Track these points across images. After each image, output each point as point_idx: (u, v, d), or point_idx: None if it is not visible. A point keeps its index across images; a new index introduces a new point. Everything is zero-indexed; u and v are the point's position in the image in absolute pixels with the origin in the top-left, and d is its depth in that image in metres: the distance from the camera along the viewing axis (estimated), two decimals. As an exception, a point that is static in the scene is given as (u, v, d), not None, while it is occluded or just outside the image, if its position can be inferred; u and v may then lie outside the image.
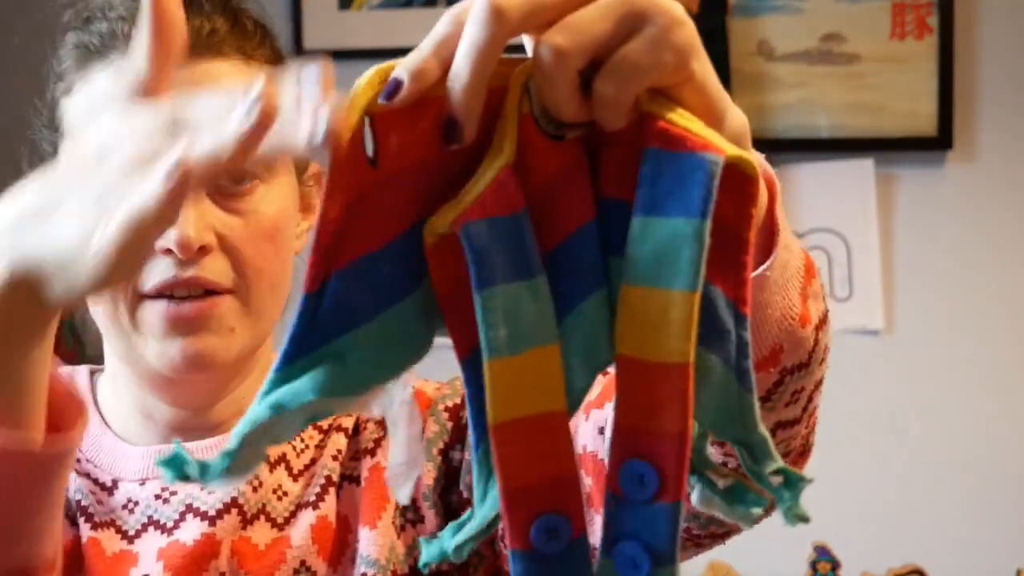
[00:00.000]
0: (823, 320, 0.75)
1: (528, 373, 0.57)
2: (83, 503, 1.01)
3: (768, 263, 0.69)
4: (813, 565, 2.48)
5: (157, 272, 0.94)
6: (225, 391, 1.04)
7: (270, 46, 1.03)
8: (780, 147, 2.49)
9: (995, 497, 2.48)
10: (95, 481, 1.03)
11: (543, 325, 0.58)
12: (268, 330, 1.02)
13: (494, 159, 0.57)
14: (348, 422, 1.07)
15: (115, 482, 1.02)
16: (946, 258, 2.50)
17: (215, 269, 0.95)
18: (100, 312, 0.99)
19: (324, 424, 1.06)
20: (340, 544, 1.02)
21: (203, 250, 0.94)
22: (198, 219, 0.94)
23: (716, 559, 2.43)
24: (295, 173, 1.04)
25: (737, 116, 0.62)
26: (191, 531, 1.00)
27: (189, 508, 1.01)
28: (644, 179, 0.57)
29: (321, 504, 1.03)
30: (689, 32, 0.57)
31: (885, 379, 2.50)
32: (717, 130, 0.59)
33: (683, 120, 0.57)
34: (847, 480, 2.49)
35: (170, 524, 1.00)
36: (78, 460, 1.02)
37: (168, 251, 0.94)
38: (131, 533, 1.00)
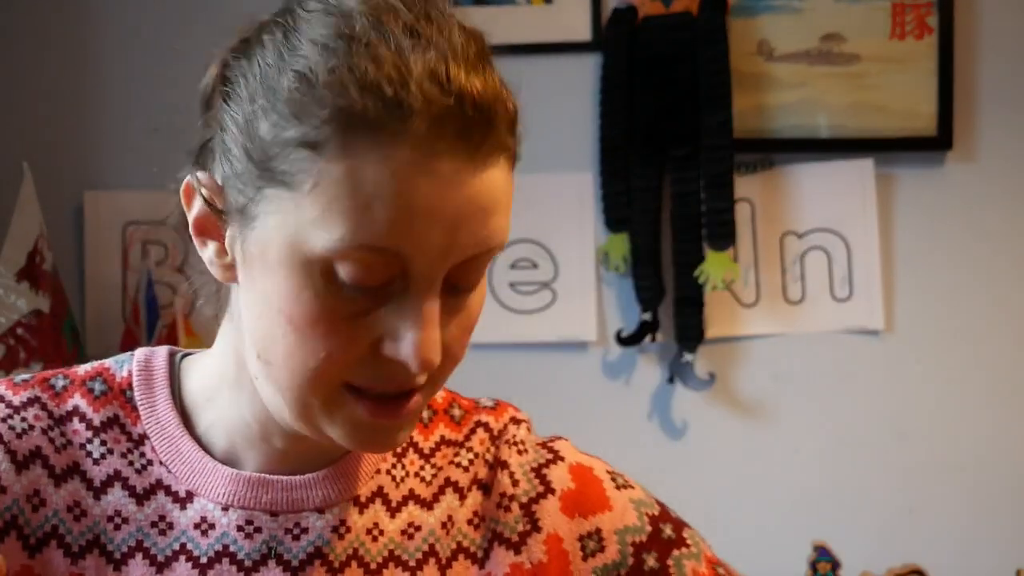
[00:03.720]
0: None
1: None
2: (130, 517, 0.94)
3: None
4: (813, 565, 2.48)
5: (376, 377, 0.86)
6: None
7: (517, 123, 0.90)
8: (780, 147, 2.49)
9: (995, 497, 2.48)
10: (167, 489, 0.95)
11: None
12: None
13: None
14: (485, 473, 1.01)
15: (190, 495, 0.94)
16: (946, 258, 2.50)
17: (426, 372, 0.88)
18: (271, 354, 0.88)
19: (441, 461, 1.00)
20: None
21: None
22: (436, 340, 0.85)
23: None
24: None
25: None
26: None
27: (271, 552, 0.94)
28: None
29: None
30: None
31: (885, 379, 2.50)
32: None
33: None
34: (847, 480, 2.49)
35: (248, 564, 0.94)
36: (148, 463, 0.96)
37: (400, 362, 0.85)
38: (203, 561, 0.93)
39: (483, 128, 0.82)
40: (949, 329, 2.49)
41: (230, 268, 0.89)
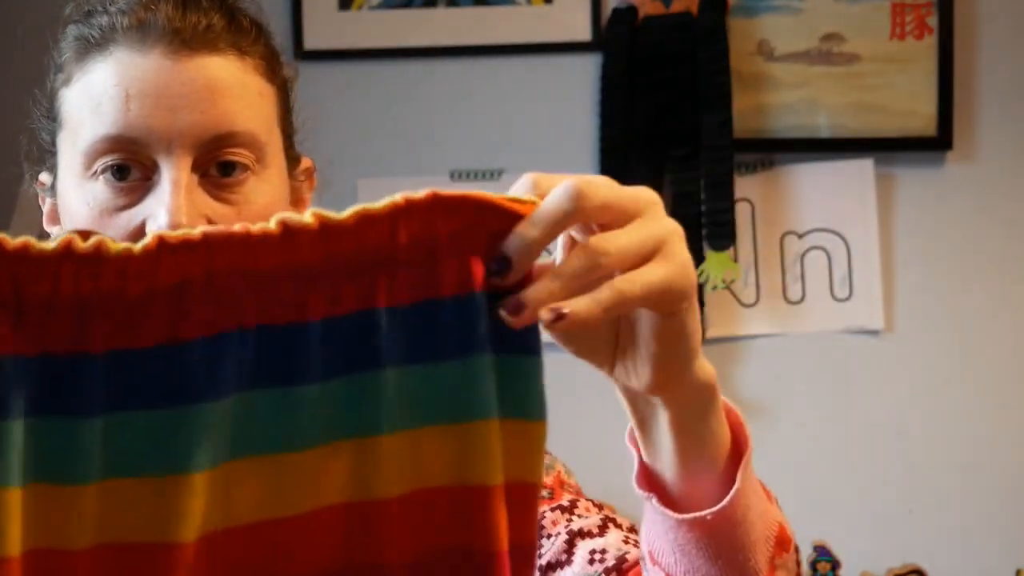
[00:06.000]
0: None
1: None
2: None
3: (713, 509, 0.76)
4: (813, 565, 2.48)
5: None
6: None
7: (265, 43, 1.03)
8: (780, 147, 2.49)
9: (995, 497, 2.48)
10: None
11: None
12: None
13: None
14: None
15: None
16: (946, 258, 2.50)
17: None
18: None
19: None
20: None
21: None
22: (191, 207, 0.93)
23: (716, 559, 2.43)
24: (287, 167, 1.04)
25: (704, 368, 0.75)
26: None
27: None
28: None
29: None
30: (691, 278, 0.70)
31: (885, 379, 2.50)
32: (681, 376, 0.73)
33: None
34: (847, 480, 2.49)
35: None
36: None
37: None
38: None
39: (195, 26, 0.96)
40: (949, 329, 2.49)
41: None
